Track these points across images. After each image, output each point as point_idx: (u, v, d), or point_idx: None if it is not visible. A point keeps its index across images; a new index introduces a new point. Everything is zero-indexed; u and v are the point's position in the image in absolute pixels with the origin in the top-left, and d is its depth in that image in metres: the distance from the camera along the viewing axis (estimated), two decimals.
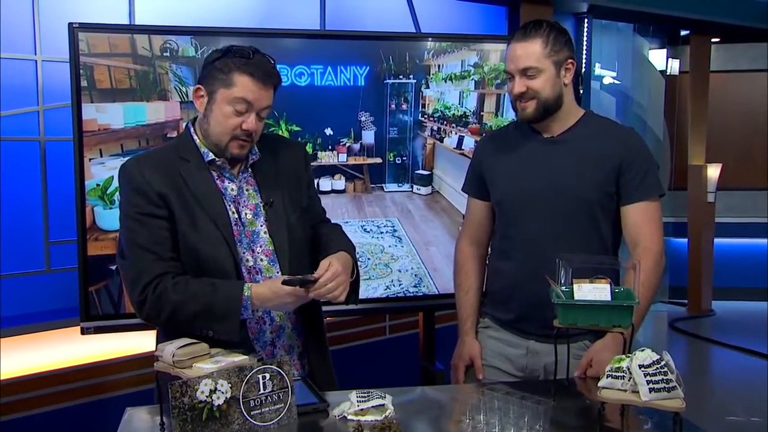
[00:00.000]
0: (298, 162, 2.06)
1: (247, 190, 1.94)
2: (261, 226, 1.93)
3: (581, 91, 2.14)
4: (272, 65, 1.87)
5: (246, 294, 1.78)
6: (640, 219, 2.04)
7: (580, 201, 2.04)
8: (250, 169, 1.95)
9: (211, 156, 1.88)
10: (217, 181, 1.90)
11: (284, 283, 1.76)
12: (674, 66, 8.09)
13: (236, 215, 1.90)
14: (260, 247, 1.92)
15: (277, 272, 1.92)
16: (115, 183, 2.74)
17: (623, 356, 1.60)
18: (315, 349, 2.01)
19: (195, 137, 1.91)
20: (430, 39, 3.17)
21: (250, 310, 1.80)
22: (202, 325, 1.77)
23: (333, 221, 2.19)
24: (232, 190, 1.92)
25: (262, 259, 1.92)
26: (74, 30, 2.68)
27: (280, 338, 1.95)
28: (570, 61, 2.05)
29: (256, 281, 1.88)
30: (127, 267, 1.85)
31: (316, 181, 2.46)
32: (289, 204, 1.96)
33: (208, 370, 1.54)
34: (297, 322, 1.99)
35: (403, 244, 3.11)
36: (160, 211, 1.82)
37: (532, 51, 2.00)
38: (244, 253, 1.89)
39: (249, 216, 1.92)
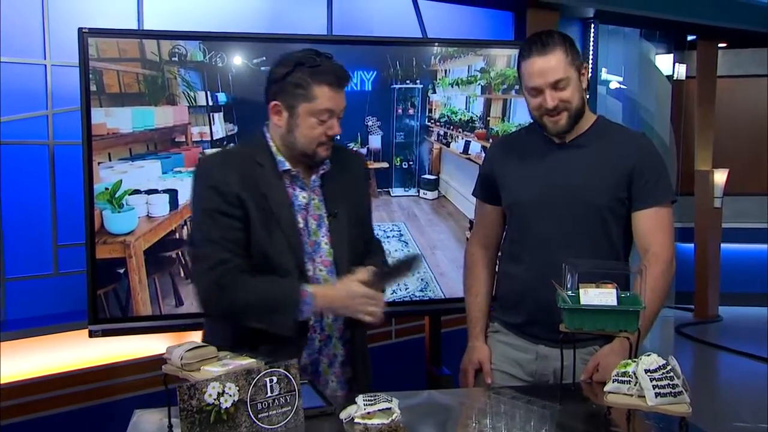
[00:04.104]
0: (360, 175, 2.12)
1: (313, 199, 1.97)
2: (323, 236, 1.97)
3: (587, 96, 2.13)
4: (340, 65, 1.92)
5: (308, 290, 1.83)
6: (651, 225, 2.04)
7: (592, 206, 2.04)
8: (319, 180, 1.99)
9: (287, 166, 1.92)
10: (288, 189, 1.94)
11: (373, 277, 1.83)
12: (681, 71, 8.07)
13: (302, 224, 1.94)
14: (320, 257, 1.96)
15: (335, 284, 1.95)
16: (123, 187, 2.77)
17: (629, 361, 1.60)
18: (360, 358, 2.02)
19: (271, 144, 1.95)
20: (436, 44, 3.19)
21: (311, 309, 1.84)
22: (262, 317, 1.84)
23: None
24: (303, 198, 1.95)
25: (320, 269, 1.96)
26: (84, 35, 2.70)
27: (327, 347, 1.99)
28: (585, 65, 2.05)
29: None
30: (198, 257, 1.91)
31: None
32: (353, 216, 2.00)
33: (216, 373, 1.55)
34: (344, 331, 2.01)
35: (409, 249, 3.12)
36: (235, 211, 1.86)
37: (557, 62, 1.96)
38: (306, 262, 1.93)
39: (313, 226, 1.96)
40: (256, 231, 1.87)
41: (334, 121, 1.89)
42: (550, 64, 1.96)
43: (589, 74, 2.11)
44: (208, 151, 2.85)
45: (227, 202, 1.85)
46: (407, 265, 1.97)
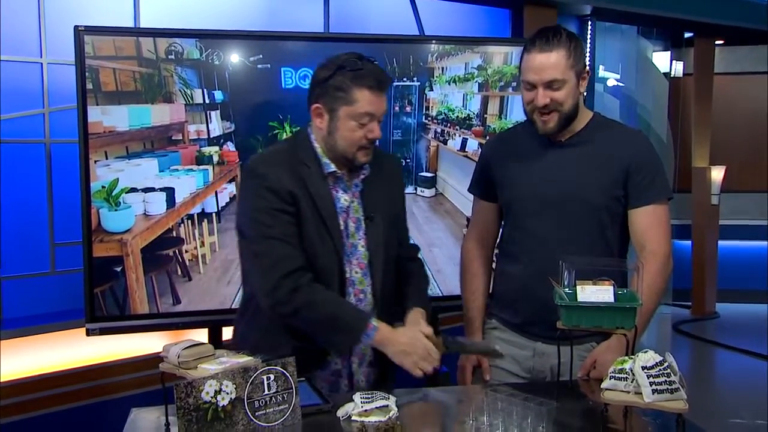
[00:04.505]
0: (397, 177, 2.14)
1: (353, 202, 2.00)
2: (360, 239, 1.99)
3: (584, 94, 2.12)
4: (381, 69, 1.94)
5: (374, 323, 1.87)
6: (648, 222, 2.04)
7: (589, 205, 2.04)
8: (361, 184, 2.01)
9: (333, 168, 1.95)
10: (331, 191, 1.96)
11: (446, 343, 1.92)
12: (678, 68, 8.08)
13: (342, 226, 1.97)
14: (356, 259, 1.99)
15: (369, 285, 1.99)
16: (120, 185, 2.76)
17: (626, 358, 1.61)
18: (389, 359, 2.01)
19: (316, 146, 1.97)
20: (433, 41, 3.18)
21: (370, 341, 1.88)
22: (323, 331, 1.89)
23: None
24: (345, 200, 1.98)
25: (356, 272, 1.99)
26: (80, 33, 2.69)
27: (357, 347, 1.99)
28: (587, 69, 2.04)
29: (348, 293, 1.97)
30: (259, 254, 1.91)
31: None
32: (387, 219, 2.03)
33: (213, 371, 1.55)
34: None
35: None
36: (290, 208, 1.89)
37: (556, 62, 1.95)
38: (344, 264, 1.96)
39: (352, 228, 1.99)
40: (306, 229, 1.91)
41: (375, 125, 1.91)
42: (549, 62, 1.95)
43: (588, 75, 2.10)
44: (203, 149, 2.85)
45: (282, 200, 1.88)
46: (483, 351, 2.10)
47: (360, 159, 1.94)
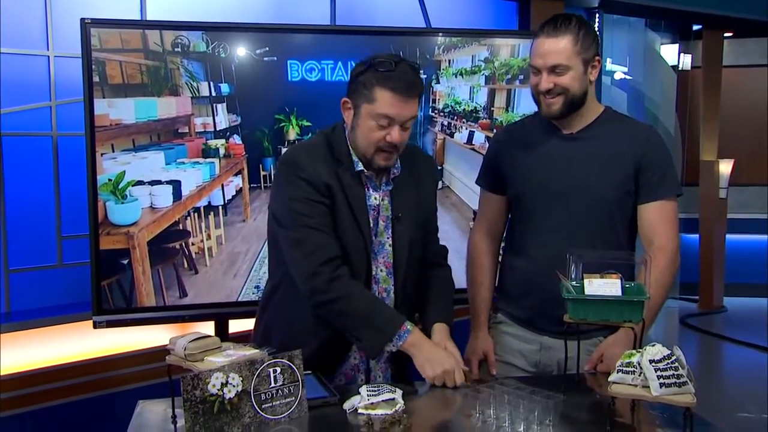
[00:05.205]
0: (428, 178, 2.13)
1: (382, 200, 1.99)
2: (387, 238, 2.00)
3: (592, 81, 2.12)
4: (415, 75, 1.91)
5: (407, 327, 1.87)
6: (656, 218, 2.03)
7: (599, 200, 2.03)
8: (391, 183, 2.01)
9: (361, 166, 1.94)
10: (363, 188, 1.96)
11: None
12: (686, 61, 8.04)
13: (372, 224, 1.97)
14: (383, 257, 1.99)
15: (392, 285, 2.00)
16: (127, 178, 2.77)
17: (634, 351, 1.60)
18: (404, 355, 2.00)
19: (349, 143, 1.96)
20: (440, 34, 3.17)
21: (401, 343, 1.87)
22: (355, 325, 1.87)
23: None
24: (375, 199, 1.98)
25: (381, 270, 2.00)
26: (86, 25, 2.69)
27: (387, 347, 1.97)
28: (597, 58, 2.03)
29: (373, 290, 1.97)
30: (297, 242, 1.90)
31: None
32: (414, 221, 2.02)
33: (220, 364, 1.55)
34: None
35: None
36: (326, 200, 1.90)
37: (562, 48, 1.96)
38: (372, 261, 1.97)
39: (381, 227, 1.99)
40: (339, 222, 1.91)
41: (395, 129, 1.87)
42: (555, 48, 1.96)
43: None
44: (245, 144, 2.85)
45: (318, 191, 1.89)
46: None
47: (378, 161, 1.91)
